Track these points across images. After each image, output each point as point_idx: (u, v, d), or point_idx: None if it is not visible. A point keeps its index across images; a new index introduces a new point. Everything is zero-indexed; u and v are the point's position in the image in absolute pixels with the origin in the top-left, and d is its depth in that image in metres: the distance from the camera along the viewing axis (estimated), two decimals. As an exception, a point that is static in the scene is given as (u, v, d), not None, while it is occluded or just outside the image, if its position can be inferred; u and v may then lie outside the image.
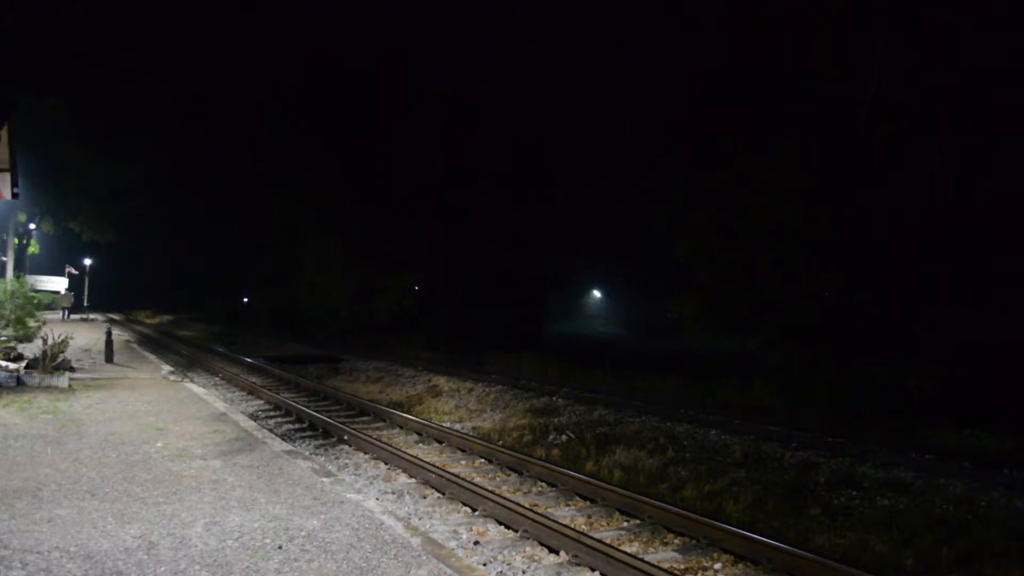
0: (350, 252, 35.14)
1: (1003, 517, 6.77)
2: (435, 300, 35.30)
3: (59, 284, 35.11)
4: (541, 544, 6.01)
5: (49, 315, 27.42)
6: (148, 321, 57.81)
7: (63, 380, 11.49)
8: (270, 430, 10.04)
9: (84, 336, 23.24)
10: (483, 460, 9.34)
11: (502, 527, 6.50)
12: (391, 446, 9.25)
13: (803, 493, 7.77)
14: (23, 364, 12.16)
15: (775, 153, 16.08)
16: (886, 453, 9.09)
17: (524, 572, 5.51)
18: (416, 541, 4.84)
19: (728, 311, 17.54)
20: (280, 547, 4.57)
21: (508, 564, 5.66)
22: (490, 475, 8.69)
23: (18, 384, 11.12)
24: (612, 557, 5.37)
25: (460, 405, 13.94)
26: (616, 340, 43.67)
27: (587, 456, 9.82)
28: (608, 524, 6.99)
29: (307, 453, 8.79)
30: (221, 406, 10.48)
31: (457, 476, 7.71)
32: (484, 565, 5.59)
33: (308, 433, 10.72)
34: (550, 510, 7.24)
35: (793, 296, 15.99)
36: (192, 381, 14.54)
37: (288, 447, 7.88)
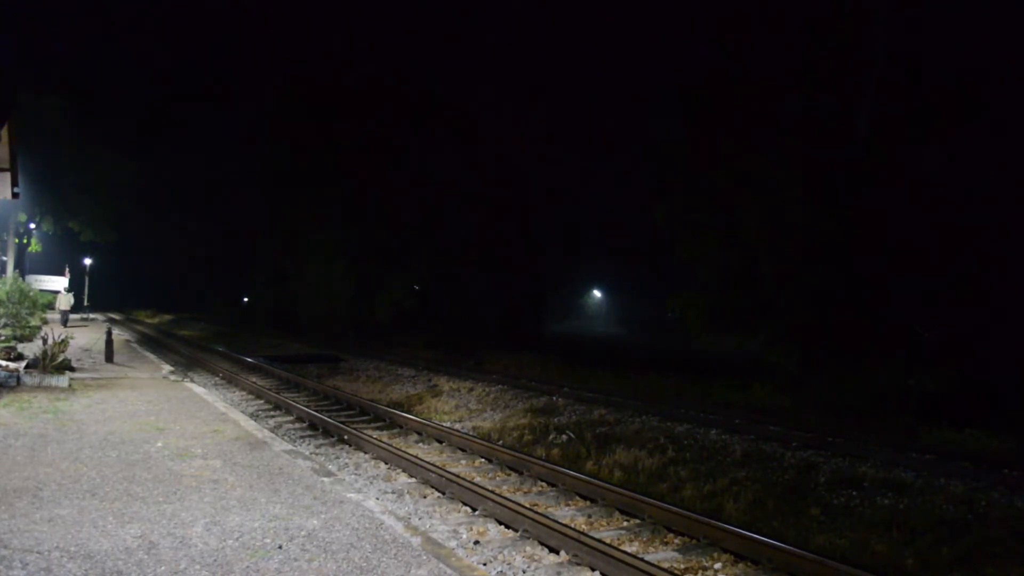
0: (350, 252, 35.14)
1: (1003, 517, 6.76)
2: (435, 300, 35.30)
3: (59, 284, 35.06)
4: (541, 544, 6.01)
5: (49, 315, 27.41)
6: (148, 321, 57.80)
7: (63, 380, 11.49)
8: (270, 430, 10.05)
9: (84, 336, 23.25)
10: (483, 460, 9.34)
11: (502, 527, 6.51)
12: (391, 446, 9.25)
13: (803, 493, 7.77)
14: (23, 364, 12.16)
15: (776, 153, 16.08)
16: (886, 453, 9.08)
17: (524, 572, 5.51)
18: (416, 541, 4.84)
19: (728, 311, 17.53)
20: (280, 547, 4.57)
21: (508, 564, 5.66)
22: (490, 475, 8.69)
23: (18, 384, 11.11)
24: (612, 557, 5.37)
25: (460, 405, 13.95)
26: (616, 340, 43.68)
27: (587, 456, 9.82)
28: (608, 524, 7.00)
29: (307, 453, 8.80)
30: (221, 406, 10.48)
31: (457, 476, 7.71)
32: (484, 565, 5.59)
33: (308, 433, 10.72)
34: (550, 510, 7.25)
35: (793, 296, 15.98)
36: (192, 381, 14.54)
37: (288, 447, 7.88)
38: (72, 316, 31.31)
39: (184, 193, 74.14)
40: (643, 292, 46.59)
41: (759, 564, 5.83)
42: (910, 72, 15.12)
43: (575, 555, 5.66)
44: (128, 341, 25.01)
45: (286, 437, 10.07)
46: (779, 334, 16.46)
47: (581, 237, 47.62)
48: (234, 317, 54.51)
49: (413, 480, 8.05)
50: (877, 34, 15.11)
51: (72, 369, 13.41)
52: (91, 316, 42.75)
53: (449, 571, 4.31)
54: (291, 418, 11.86)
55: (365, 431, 10.50)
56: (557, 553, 5.81)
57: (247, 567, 4.21)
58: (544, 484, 8.19)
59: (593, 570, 5.48)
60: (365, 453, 9.35)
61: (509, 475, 8.62)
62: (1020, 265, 13.74)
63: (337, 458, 9.16)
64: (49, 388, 11.11)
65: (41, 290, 26.80)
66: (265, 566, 4.24)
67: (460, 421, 12.64)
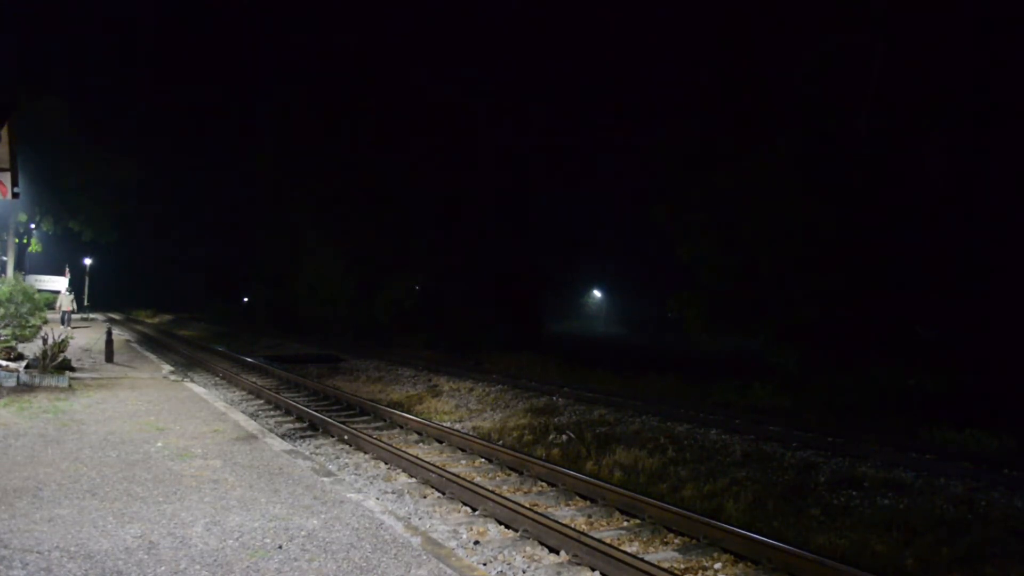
0: (350, 252, 35.14)
1: (1003, 517, 6.77)
2: (435, 300, 35.27)
3: (60, 284, 35.06)
4: (541, 544, 6.01)
5: (49, 314, 27.40)
6: (148, 321, 57.81)
7: (63, 380, 11.49)
8: (270, 429, 10.06)
9: (84, 336, 23.27)
10: (483, 460, 9.34)
11: (502, 527, 6.50)
12: (391, 446, 9.25)
13: (803, 493, 7.77)
14: (23, 364, 12.16)
15: (776, 153, 16.08)
16: (886, 453, 9.08)
17: (524, 572, 5.51)
18: (416, 541, 4.84)
19: (728, 311, 17.53)
20: (280, 547, 4.57)
21: (508, 564, 5.66)
22: (490, 475, 8.69)
23: (18, 384, 11.12)
24: (612, 557, 5.37)
25: (460, 405, 13.95)
26: (616, 340, 43.68)
27: (587, 456, 9.82)
28: (608, 524, 7.00)
29: (307, 452, 8.80)
30: (221, 405, 10.49)
31: (457, 476, 7.71)
32: (484, 565, 5.59)
33: (308, 432, 10.72)
34: (550, 510, 7.25)
35: (793, 296, 15.98)
36: (192, 381, 14.54)
37: (288, 446, 7.88)
38: (72, 316, 31.30)
39: (184, 193, 74.23)
40: (643, 292, 46.64)
41: (759, 564, 5.83)
42: (910, 72, 15.11)
43: (575, 555, 5.66)
44: (128, 341, 25.01)
45: (286, 437, 10.07)
46: (779, 334, 16.46)
47: (581, 237, 47.69)
48: (234, 317, 54.48)
49: (413, 480, 8.05)
50: (877, 34, 15.10)
51: (72, 369, 13.41)
52: (91, 316, 42.77)
53: (449, 571, 4.31)
54: (291, 418, 11.86)
55: (365, 431, 10.49)
56: (557, 553, 5.81)
57: (247, 567, 4.21)
58: (544, 484, 8.19)
59: (593, 570, 5.48)
60: (365, 453, 9.35)
61: (509, 475, 8.62)
62: (1020, 265, 13.73)
63: (337, 458, 9.15)
64: (49, 388, 11.11)
65: (41, 290, 26.78)
66: (265, 566, 4.24)
67: (460, 421, 12.64)
